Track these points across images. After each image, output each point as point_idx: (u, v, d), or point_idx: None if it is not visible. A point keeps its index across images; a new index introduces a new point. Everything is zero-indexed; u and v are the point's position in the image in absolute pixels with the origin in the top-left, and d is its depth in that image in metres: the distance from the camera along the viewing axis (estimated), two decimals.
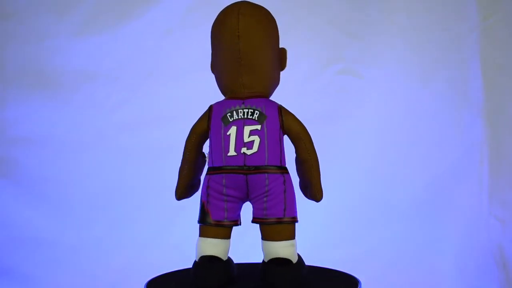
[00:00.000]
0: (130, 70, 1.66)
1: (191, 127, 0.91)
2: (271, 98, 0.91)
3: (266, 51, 0.89)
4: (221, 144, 0.85)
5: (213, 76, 0.94)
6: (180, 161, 0.91)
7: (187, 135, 0.91)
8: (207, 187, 0.87)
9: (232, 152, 0.85)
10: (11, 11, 1.63)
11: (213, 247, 0.87)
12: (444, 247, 1.70)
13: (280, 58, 0.92)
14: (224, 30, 0.87)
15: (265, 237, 0.87)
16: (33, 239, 1.62)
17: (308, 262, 0.97)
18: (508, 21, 1.70)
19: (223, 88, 0.91)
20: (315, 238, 1.63)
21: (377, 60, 1.70)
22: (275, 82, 0.92)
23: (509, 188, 1.71)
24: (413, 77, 1.71)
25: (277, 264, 0.85)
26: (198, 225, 0.92)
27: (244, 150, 0.84)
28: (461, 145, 1.72)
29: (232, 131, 0.85)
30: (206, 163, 0.90)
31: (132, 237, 1.62)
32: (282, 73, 0.94)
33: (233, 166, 0.85)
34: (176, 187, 0.91)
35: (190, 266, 0.98)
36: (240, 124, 0.85)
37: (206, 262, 0.87)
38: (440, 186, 1.71)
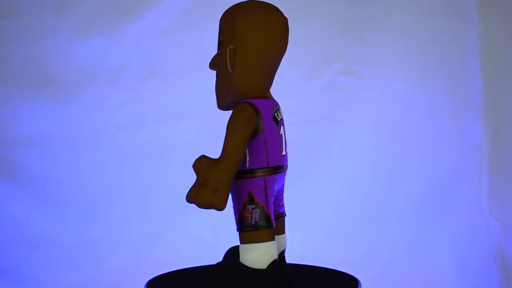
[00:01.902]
0: (130, 70, 1.66)
1: (237, 126, 0.80)
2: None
3: None
4: (277, 144, 0.85)
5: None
6: (227, 165, 0.78)
7: (238, 134, 0.80)
8: (265, 188, 0.84)
9: (284, 151, 0.86)
10: (11, 11, 1.63)
11: (275, 249, 0.85)
12: (444, 247, 1.70)
13: None
14: (282, 31, 0.87)
15: (276, 232, 0.88)
16: (33, 239, 1.62)
17: (308, 262, 0.97)
18: (508, 21, 1.70)
19: (246, 88, 0.85)
20: (315, 238, 1.63)
21: (377, 60, 1.70)
22: None
23: (509, 188, 1.71)
24: (413, 77, 1.71)
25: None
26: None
27: (287, 149, 0.87)
28: (461, 145, 1.72)
29: (282, 130, 0.86)
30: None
31: (132, 237, 1.62)
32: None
33: (284, 165, 0.86)
34: (225, 195, 0.77)
35: (191, 265, 0.98)
36: (283, 124, 0.88)
37: (278, 266, 0.84)
38: (440, 186, 1.71)
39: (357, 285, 0.89)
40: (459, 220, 1.71)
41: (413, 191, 1.71)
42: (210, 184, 0.77)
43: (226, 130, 0.80)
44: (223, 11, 0.88)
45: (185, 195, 0.78)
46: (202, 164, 0.79)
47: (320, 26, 1.69)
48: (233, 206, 0.84)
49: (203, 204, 0.77)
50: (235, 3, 0.87)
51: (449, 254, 1.70)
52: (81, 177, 1.64)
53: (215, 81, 0.88)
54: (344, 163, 1.68)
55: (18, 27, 1.62)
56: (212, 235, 1.61)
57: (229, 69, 0.84)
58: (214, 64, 0.88)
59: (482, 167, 1.73)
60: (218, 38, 0.87)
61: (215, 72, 0.89)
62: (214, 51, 0.89)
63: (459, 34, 1.72)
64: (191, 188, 0.78)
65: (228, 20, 0.86)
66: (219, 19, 0.88)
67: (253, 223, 0.81)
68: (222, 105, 0.88)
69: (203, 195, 0.76)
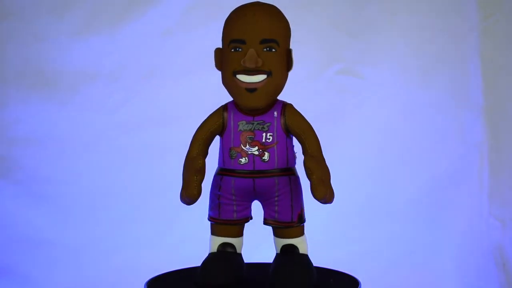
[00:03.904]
0: (130, 70, 1.66)
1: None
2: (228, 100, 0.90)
3: None
4: None
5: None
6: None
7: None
8: None
9: None
10: (11, 11, 1.63)
11: None
12: (444, 247, 1.70)
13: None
14: None
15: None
16: (33, 239, 1.62)
17: None
18: (508, 21, 1.70)
19: None
20: (315, 238, 1.63)
21: (377, 60, 1.70)
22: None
23: (509, 188, 1.71)
24: (413, 77, 1.71)
25: None
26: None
27: None
28: (461, 145, 1.72)
29: None
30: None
31: (132, 237, 1.62)
32: None
33: None
34: None
35: (190, 265, 0.98)
36: None
37: None
38: (440, 186, 1.71)
39: (357, 285, 0.89)
40: (459, 220, 1.71)
41: (413, 191, 1.70)
42: (328, 180, 0.82)
43: (308, 127, 0.87)
44: (269, 8, 0.88)
45: (319, 195, 0.80)
46: (316, 162, 0.83)
47: (320, 26, 1.69)
48: (289, 202, 0.87)
49: (332, 200, 0.83)
50: (263, 2, 0.88)
51: (449, 254, 1.70)
52: (81, 177, 1.64)
53: (261, 80, 0.84)
54: (343, 163, 1.68)
55: (18, 27, 1.62)
56: None
57: (287, 70, 0.88)
58: (272, 63, 0.85)
59: (482, 167, 1.73)
60: (270, 36, 0.85)
61: (219, 72, 0.88)
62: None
63: (459, 34, 1.72)
64: (321, 187, 0.81)
65: (282, 20, 0.89)
66: (271, 15, 0.87)
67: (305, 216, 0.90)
68: (263, 106, 0.86)
69: (332, 191, 0.82)
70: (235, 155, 0.86)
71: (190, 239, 1.61)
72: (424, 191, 1.71)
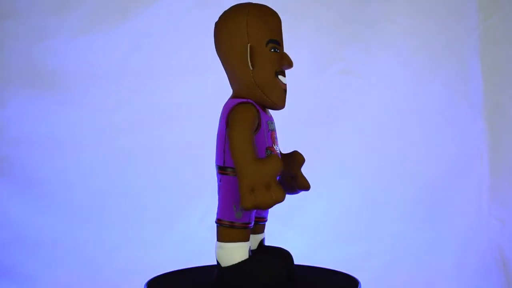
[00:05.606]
0: (130, 70, 1.66)
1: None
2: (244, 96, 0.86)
3: (219, 54, 0.87)
4: None
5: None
6: None
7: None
8: None
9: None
10: (11, 11, 1.63)
11: None
12: (444, 247, 1.70)
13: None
14: None
15: None
16: (33, 239, 1.62)
17: (308, 262, 0.97)
18: (508, 21, 1.70)
19: None
20: (315, 238, 1.63)
21: (377, 60, 1.70)
22: (239, 81, 0.87)
23: (509, 188, 1.71)
24: (413, 77, 1.71)
25: None
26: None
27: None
28: (461, 145, 1.72)
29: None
30: None
31: (132, 237, 1.62)
32: None
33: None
34: None
35: (191, 265, 0.98)
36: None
37: None
38: (440, 186, 1.71)
39: (357, 285, 0.89)
40: (459, 220, 1.71)
41: (413, 191, 1.71)
42: None
43: None
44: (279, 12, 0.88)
45: (308, 184, 0.91)
46: None
47: (320, 26, 1.69)
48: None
49: None
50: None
51: (449, 254, 1.70)
52: (81, 177, 1.64)
53: (286, 82, 0.87)
54: (344, 163, 1.68)
55: (18, 27, 1.62)
56: (212, 235, 1.61)
57: None
58: None
59: (482, 167, 1.73)
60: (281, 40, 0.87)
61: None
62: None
63: (459, 34, 1.72)
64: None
65: None
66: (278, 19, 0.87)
67: None
68: None
69: None
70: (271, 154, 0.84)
71: (190, 239, 1.62)
72: (424, 191, 1.71)
